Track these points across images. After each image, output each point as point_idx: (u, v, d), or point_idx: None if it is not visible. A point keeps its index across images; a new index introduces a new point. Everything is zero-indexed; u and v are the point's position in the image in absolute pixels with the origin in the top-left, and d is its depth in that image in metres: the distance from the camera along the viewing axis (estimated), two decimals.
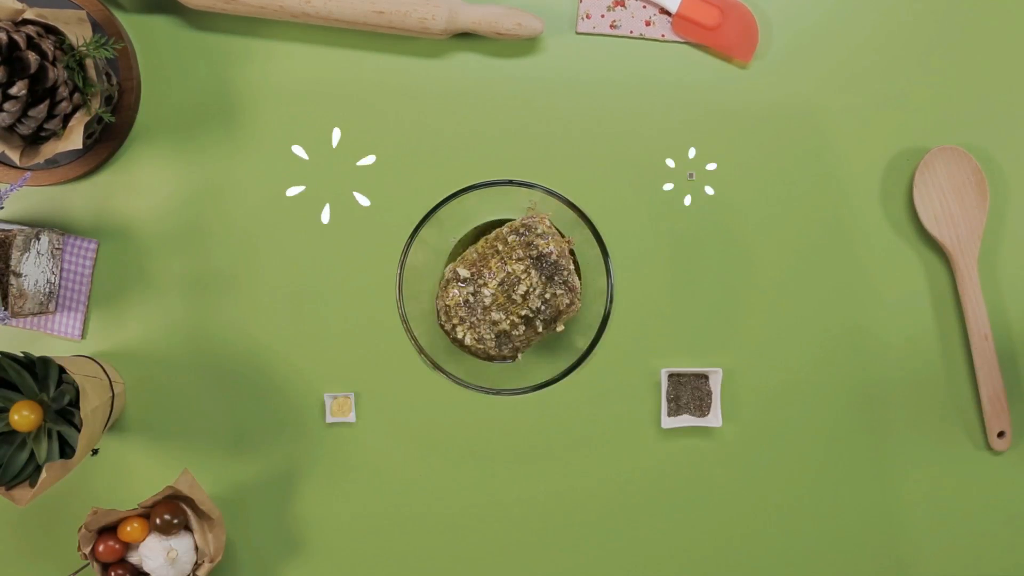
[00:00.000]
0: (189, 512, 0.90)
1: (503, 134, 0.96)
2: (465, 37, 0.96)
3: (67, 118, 0.86)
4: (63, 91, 0.84)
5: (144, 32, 0.96)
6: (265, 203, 0.96)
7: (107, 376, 0.92)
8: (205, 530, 0.91)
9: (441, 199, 0.88)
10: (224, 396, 0.97)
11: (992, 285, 0.97)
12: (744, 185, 0.96)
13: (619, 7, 0.95)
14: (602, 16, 0.95)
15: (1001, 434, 0.96)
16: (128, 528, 0.89)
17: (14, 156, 0.86)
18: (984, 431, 0.97)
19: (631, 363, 0.97)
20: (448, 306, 0.89)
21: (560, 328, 0.91)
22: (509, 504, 0.97)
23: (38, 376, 0.88)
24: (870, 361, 0.97)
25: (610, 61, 0.96)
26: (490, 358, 0.91)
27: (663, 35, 0.96)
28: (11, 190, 0.84)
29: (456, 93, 0.96)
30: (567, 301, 0.89)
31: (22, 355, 0.87)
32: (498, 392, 0.89)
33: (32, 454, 0.88)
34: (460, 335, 0.90)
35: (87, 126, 0.89)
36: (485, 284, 0.88)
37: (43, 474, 0.82)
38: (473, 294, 0.89)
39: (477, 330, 0.89)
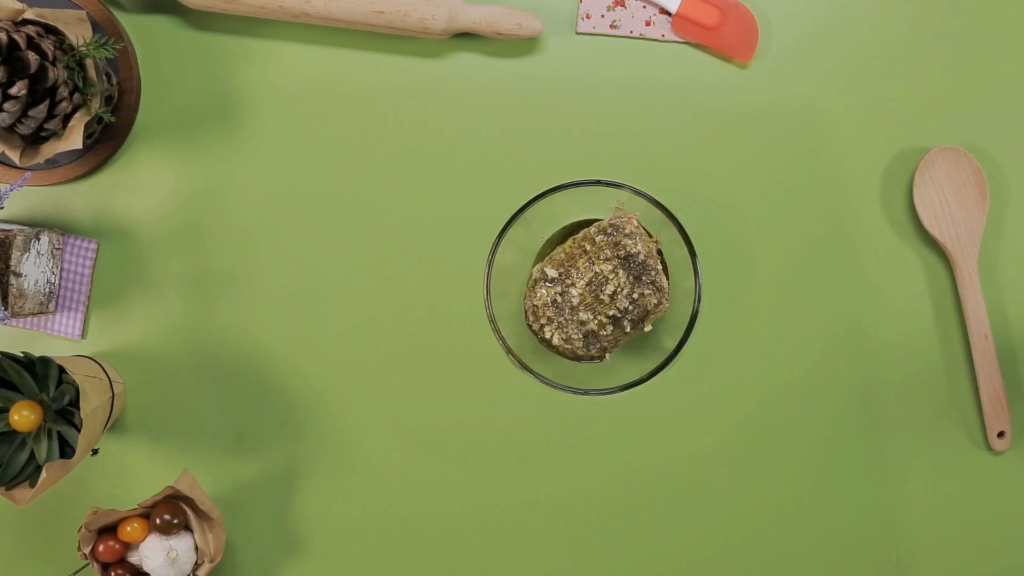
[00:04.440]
0: (189, 512, 0.90)
1: (503, 134, 0.96)
2: (465, 37, 0.96)
3: (67, 118, 0.86)
4: (63, 91, 0.84)
5: (144, 32, 0.96)
6: (265, 203, 0.96)
7: (107, 376, 0.92)
8: (205, 530, 0.91)
9: (528, 199, 0.87)
10: (224, 396, 0.96)
11: (992, 285, 0.97)
12: (744, 185, 0.96)
13: (619, 7, 0.95)
14: (602, 16, 0.95)
15: (1001, 434, 0.96)
16: (128, 528, 0.89)
17: (14, 156, 0.86)
18: (984, 431, 0.97)
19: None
20: (536, 306, 0.89)
21: (648, 328, 0.90)
22: (510, 504, 0.97)
23: (38, 376, 0.88)
24: (870, 361, 0.97)
25: (610, 61, 0.96)
26: (578, 358, 0.91)
27: (663, 35, 0.96)
28: (11, 190, 0.84)
29: (456, 93, 0.96)
30: (655, 301, 0.88)
31: (22, 355, 0.87)
32: (586, 392, 0.88)
33: (32, 454, 0.88)
34: (548, 335, 0.89)
35: (87, 126, 0.89)
36: (573, 284, 0.88)
37: (43, 474, 0.82)
38: (561, 294, 0.88)
39: (565, 330, 0.88)
